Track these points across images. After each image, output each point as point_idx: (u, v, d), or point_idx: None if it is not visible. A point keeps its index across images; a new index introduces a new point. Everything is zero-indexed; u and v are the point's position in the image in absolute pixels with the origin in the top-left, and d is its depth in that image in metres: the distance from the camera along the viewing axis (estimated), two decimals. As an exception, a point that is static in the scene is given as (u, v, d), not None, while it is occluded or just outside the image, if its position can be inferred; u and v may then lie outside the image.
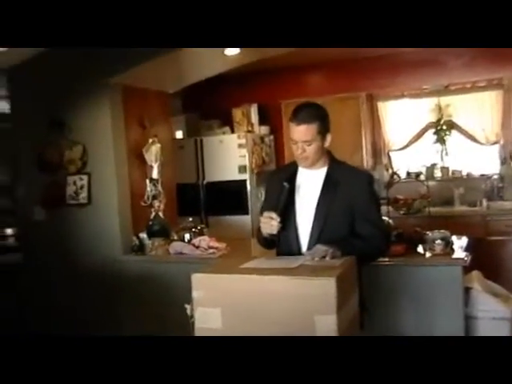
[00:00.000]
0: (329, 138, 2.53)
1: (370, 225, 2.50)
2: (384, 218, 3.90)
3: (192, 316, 2.14)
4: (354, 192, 2.48)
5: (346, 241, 2.43)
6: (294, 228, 2.51)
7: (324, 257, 2.24)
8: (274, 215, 2.42)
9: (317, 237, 2.44)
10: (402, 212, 5.69)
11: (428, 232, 3.74)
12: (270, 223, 2.43)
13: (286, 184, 2.46)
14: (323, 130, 2.49)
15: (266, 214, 2.47)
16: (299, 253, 2.48)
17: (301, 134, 2.46)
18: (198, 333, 2.10)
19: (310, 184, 2.54)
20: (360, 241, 2.46)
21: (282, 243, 2.53)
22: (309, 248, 2.44)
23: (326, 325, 1.91)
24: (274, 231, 2.44)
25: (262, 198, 2.83)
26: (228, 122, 6.87)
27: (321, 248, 2.30)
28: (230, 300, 2.06)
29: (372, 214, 2.54)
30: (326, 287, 1.92)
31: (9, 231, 5.96)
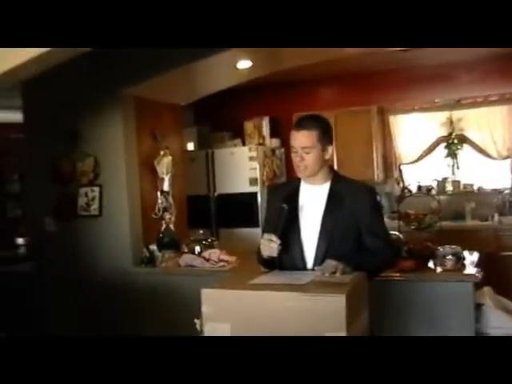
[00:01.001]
0: (330, 150, 2.51)
1: (377, 238, 2.50)
2: (395, 232, 3.92)
3: (201, 331, 2.14)
4: (358, 206, 2.47)
5: (355, 255, 2.42)
6: (298, 244, 2.49)
7: (334, 272, 2.23)
8: (274, 237, 2.39)
9: (323, 252, 2.43)
10: (412, 227, 5.65)
11: (439, 247, 3.71)
12: (270, 245, 2.40)
13: (284, 206, 2.44)
14: (324, 140, 2.47)
15: (265, 236, 2.44)
16: (304, 269, 2.47)
17: (300, 140, 2.45)
18: (207, 347, 2.10)
19: (313, 200, 2.52)
20: (368, 254, 2.46)
21: (287, 259, 2.49)
22: (314, 264, 2.43)
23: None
24: (274, 254, 2.40)
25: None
26: (239, 135, 6.91)
27: (331, 263, 2.29)
28: (240, 315, 2.06)
29: (378, 227, 2.53)
30: (336, 304, 1.91)
31: (20, 241, 5.99)
